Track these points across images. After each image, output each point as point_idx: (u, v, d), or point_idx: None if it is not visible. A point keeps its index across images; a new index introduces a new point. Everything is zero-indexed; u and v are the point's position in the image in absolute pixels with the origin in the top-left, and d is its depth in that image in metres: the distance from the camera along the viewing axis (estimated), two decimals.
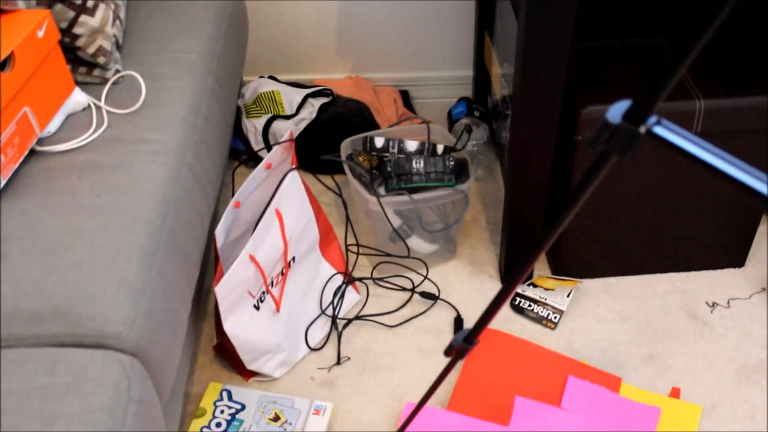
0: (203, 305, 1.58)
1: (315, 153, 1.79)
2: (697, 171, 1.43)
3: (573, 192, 0.78)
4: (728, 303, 1.55)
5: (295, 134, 1.82)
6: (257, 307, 1.36)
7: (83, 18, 1.28)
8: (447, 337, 1.51)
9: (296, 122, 1.84)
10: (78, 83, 1.32)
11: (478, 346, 1.46)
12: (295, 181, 1.42)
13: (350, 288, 1.58)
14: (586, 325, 1.52)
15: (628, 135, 0.67)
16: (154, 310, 1.02)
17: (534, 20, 1.19)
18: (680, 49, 0.60)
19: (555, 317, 1.53)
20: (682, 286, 1.59)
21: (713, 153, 0.64)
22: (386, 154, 1.58)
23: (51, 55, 1.20)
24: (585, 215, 1.49)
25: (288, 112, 1.86)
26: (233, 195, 1.33)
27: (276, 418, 1.34)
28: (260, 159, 1.85)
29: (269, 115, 1.84)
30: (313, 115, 1.83)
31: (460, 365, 1.44)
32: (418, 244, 1.59)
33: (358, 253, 1.67)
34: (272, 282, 1.40)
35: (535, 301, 1.56)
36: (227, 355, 1.46)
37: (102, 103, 1.28)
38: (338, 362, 1.47)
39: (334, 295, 1.55)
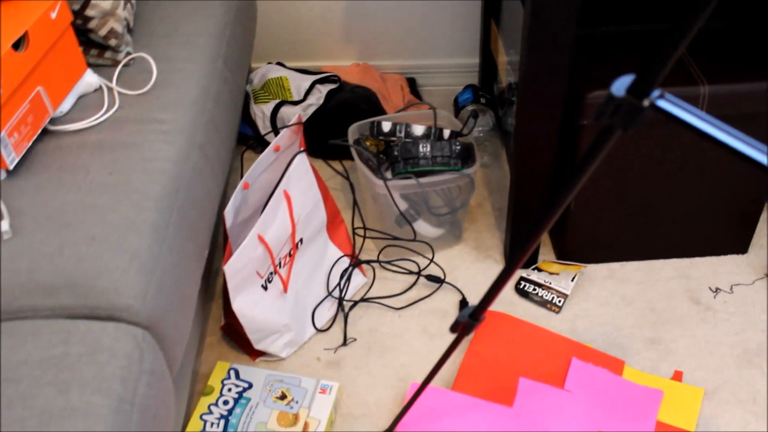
0: (211, 286, 1.60)
1: (323, 138, 1.80)
2: (701, 158, 1.44)
3: (577, 166, 0.79)
4: (731, 288, 1.56)
5: (303, 120, 1.84)
6: (265, 288, 1.38)
7: (95, 1, 1.29)
8: (452, 319, 1.52)
9: (304, 108, 1.85)
10: (90, 65, 1.33)
11: (482, 329, 1.48)
12: (303, 163, 1.44)
13: (357, 270, 1.60)
14: (590, 309, 1.54)
15: (632, 108, 0.68)
16: (165, 284, 1.04)
17: (539, 7, 1.21)
18: (682, 22, 0.61)
19: (559, 301, 1.54)
20: (686, 271, 1.60)
21: (715, 125, 0.65)
22: (393, 139, 1.59)
23: (64, 36, 1.22)
24: (590, 201, 1.50)
25: (296, 98, 1.87)
26: (241, 178, 1.35)
27: (283, 397, 1.36)
28: (268, 144, 1.87)
29: (277, 101, 1.86)
30: (321, 101, 1.85)
31: (465, 346, 1.46)
32: (424, 228, 1.61)
33: (364, 237, 1.69)
34: (280, 263, 1.41)
35: (540, 285, 1.57)
36: (235, 335, 1.48)
37: (113, 84, 1.30)
38: (344, 343, 1.49)
39: (341, 277, 1.57)
